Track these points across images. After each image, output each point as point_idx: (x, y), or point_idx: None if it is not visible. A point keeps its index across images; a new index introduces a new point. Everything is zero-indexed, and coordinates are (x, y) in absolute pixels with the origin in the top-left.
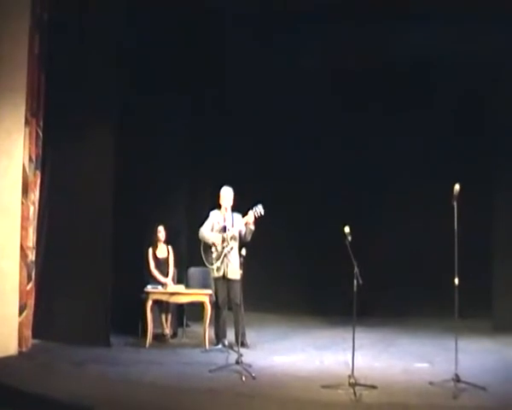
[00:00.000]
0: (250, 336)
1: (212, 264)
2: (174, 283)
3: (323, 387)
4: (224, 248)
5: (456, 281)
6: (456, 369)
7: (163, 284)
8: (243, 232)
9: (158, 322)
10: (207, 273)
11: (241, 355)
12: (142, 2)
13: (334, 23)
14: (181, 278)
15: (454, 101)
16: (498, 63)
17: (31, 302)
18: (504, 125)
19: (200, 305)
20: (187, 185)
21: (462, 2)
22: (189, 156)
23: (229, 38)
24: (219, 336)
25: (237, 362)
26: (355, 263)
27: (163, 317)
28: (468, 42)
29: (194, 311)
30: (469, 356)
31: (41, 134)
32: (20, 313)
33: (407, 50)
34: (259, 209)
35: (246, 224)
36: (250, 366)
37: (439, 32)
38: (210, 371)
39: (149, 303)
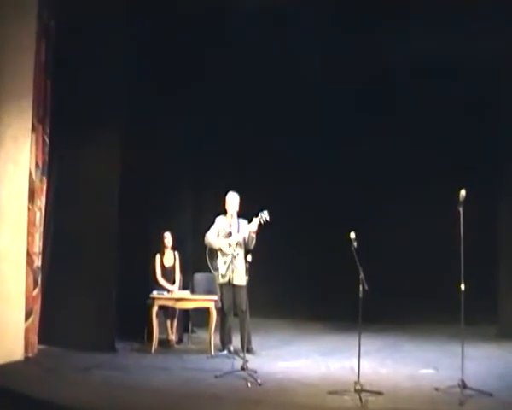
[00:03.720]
0: (255, 342)
1: (217, 270)
2: (180, 289)
3: (329, 393)
4: (229, 254)
5: (463, 287)
6: (462, 375)
7: (169, 290)
8: (247, 239)
9: (163, 328)
10: (213, 279)
11: (246, 361)
12: (142, 4)
13: (334, 27)
14: (186, 284)
15: (456, 103)
16: (502, 65)
17: (37, 308)
18: (508, 127)
19: (206, 311)
20: (191, 191)
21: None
22: (193, 162)
23: (230, 38)
24: (225, 342)
25: (243, 368)
26: (361, 269)
27: (168, 323)
28: (469, 44)
29: (199, 317)
30: (474, 362)
31: (47, 141)
32: (27, 318)
33: (410, 52)
34: (265, 215)
35: (249, 232)
36: (255, 371)
37: (440, 36)
38: (215, 376)
39: (155, 309)
